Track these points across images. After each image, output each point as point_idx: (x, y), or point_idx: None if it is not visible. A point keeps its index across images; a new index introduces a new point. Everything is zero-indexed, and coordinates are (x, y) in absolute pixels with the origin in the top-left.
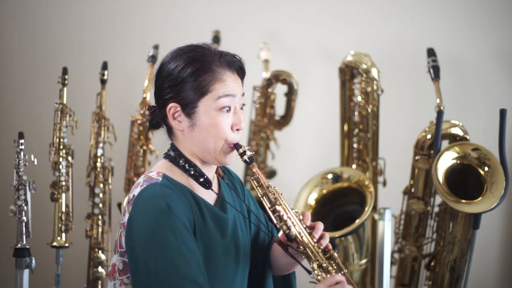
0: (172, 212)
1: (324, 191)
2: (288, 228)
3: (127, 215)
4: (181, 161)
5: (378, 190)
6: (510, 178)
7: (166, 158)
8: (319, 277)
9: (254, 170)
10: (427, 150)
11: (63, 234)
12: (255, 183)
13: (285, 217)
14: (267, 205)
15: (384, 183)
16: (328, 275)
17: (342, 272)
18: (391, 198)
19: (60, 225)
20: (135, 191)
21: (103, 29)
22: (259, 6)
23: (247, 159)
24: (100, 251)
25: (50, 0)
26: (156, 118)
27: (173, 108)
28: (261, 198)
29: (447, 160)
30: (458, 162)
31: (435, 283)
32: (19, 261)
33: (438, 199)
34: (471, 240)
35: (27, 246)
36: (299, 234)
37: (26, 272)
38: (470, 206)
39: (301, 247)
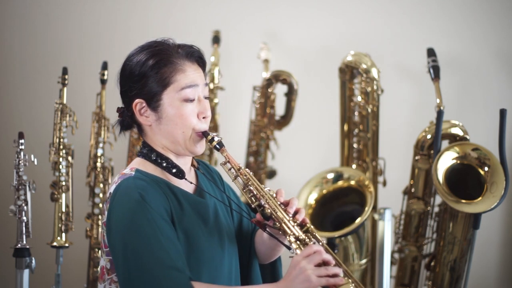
0: (146, 202)
1: (324, 191)
2: (262, 206)
3: (106, 213)
4: (152, 155)
5: (378, 190)
6: (510, 178)
7: (139, 156)
8: (297, 250)
9: (223, 155)
10: (427, 150)
11: (63, 234)
12: (227, 167)
13: (258, 196)
14: (240, 187)
15: (384, 183)
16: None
17: (320, 243)
18: (391, 198)
19: (60, 225)
20: (111, 188)
21: (103, 29)
22: (259, 6)
23: (217, 145)
24: (100, 251)
25: (50, 0)
26: (126, 118)
27: (138, 104)
28: (233, 181)
29: (447, 160)
30: (458, 162)
31: (435, 283)
32: (19, 261)
33: (438, 199)
34: (471, 240)
35: (27, 246)
36: (274, 211)
37: (26, 272)
38: (470, 206)
39: (277, 223)
